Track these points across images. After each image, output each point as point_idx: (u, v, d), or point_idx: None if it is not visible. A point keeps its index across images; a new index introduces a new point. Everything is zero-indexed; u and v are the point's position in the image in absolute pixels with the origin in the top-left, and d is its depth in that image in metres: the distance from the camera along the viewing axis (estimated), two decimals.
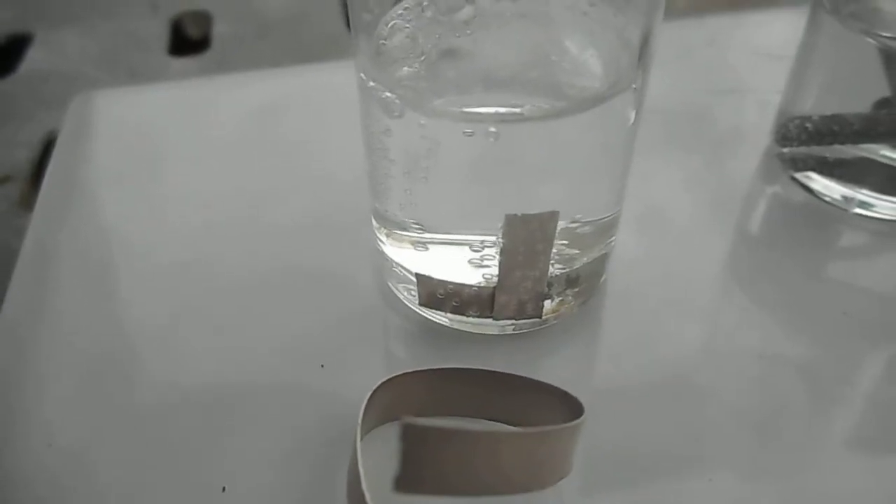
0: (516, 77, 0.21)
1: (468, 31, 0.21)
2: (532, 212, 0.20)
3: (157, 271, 0.27)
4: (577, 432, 0.17)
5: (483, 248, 0.22)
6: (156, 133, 0.34)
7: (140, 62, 0.49)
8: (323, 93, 0.36)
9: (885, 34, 0.25)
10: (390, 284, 0.25)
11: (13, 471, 0.21)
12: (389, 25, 0.21)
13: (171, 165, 0.32)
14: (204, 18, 0.55)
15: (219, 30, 0.53)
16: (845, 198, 0.28)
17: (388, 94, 0.20)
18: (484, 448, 0.14)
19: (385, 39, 0.21)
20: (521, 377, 0.20)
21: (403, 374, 0.19)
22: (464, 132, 0.19)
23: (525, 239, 0.20)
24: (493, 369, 0.20)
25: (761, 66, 0.36)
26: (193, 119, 0.35)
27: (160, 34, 0.53)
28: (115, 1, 0.57)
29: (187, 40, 0.54)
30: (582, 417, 0.17)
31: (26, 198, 0.39)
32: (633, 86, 0.20)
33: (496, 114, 0.19)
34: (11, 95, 0.46)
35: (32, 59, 0.50)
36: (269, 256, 0.27)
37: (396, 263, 0.24)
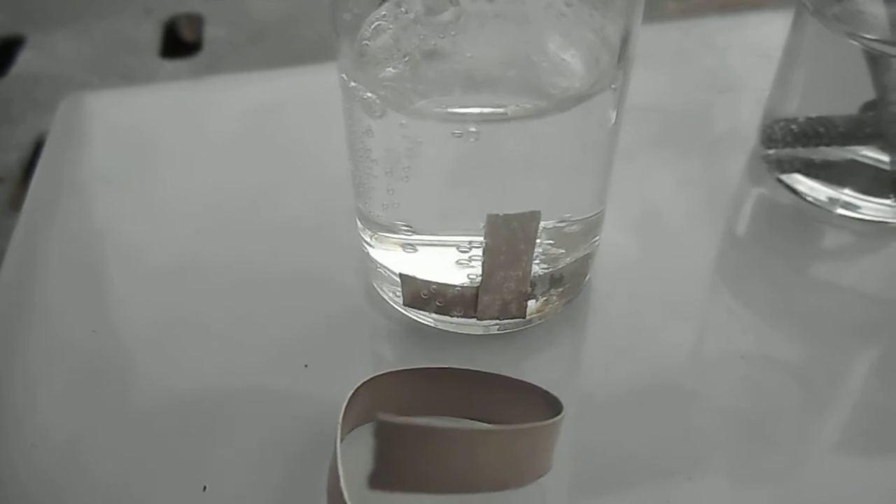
0: (498, 77, 0.21)
1: (452, 33, 0.21)
2: (515, 211, 0.20)
3: (143, 273, 0.27)
4: (556, 430, 0.17)
5: (470, 248, 0.22)
6: (146, 135, 0.34)
7: (132, 65, 0.49)
8: (314, 95, 0.36)
9: (868, 36, 0.26)
10: (375, 285, 0.25)
11: None
12: (373, 27, 0.21)
13: (160, 167, 0.32)
14: (196, 21, 0.55)
15: (211, 33, 0.53)
16: (831, 199, 0.28)
17: (370, 95, 0.20)
18: (460, 446, 0.14)
19: (368, 40, 0.21)
20: (500, 376, 0.20)
21: (384, 374, 0.19)
22: (445, 132, 0.19)
23: (507, 239, 0.20)
24: (474, 369, 0.20)
25: (749, 67, 0.36)
26: (184, 121, 0.35)
27: (152, 37, 0.53)
28: (108, 3, 0.57)
29: (180, 42, 0.54)
30: (560, 415, 0.17)
31: (16, 199, 0.39)
32: (613, 86, 0.20)
33: (477, 114, 0.19)
34: (3, 97, 0.46)
35: (24, 61, 0.50)
36: (256, 257, 0.27)
37: (381, 264, 0.24)
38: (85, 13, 0.54)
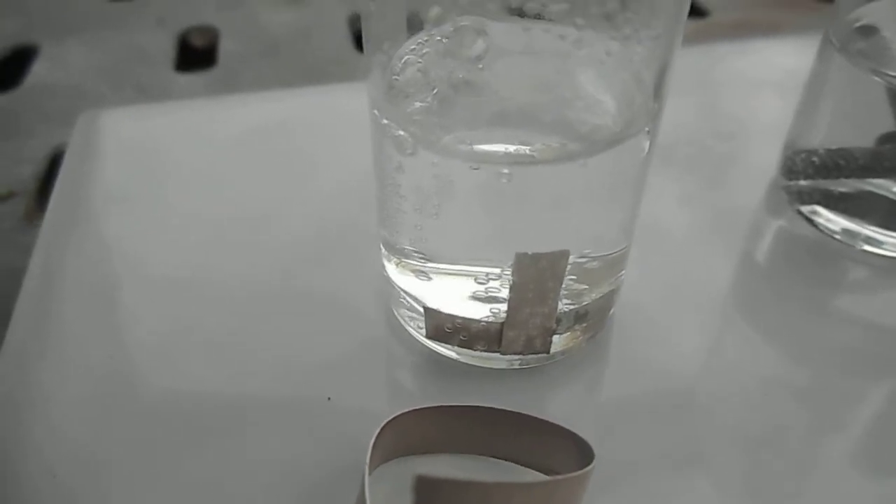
0: (528, 113, 0.21)
1: (480, 66, 0.21)
2: (542, 248, 0.20)
3: (162, 292, 0.27)
4: (588, 478, 0.17)
5: (488, 280, 0.22)
6: (162, 152, 0.34)
7: (145, 77, 0.49)
8: (328, 113, 0.36)
9: (892, 73, 0.26)
10: (397, 315, 0.25)
11: (18, 498, 0.21)
12: (402, 61, 0.21)
13: (177, 184, 0.32)
14: (210, 34, 0.55)
15: (225, 47, 0.53)
16: (851, 232, 0.28)
17: (401, 133, 0.20)
18: (498, 499, 0.14)
19: (397, 74, 0.21)
20: (530, 416, 0.20)
21: (411, 411, 0.19)
22: (476, 172, 0.19)
23: (535, 277, 0.20)
24: (502, 407, 0.20)
25: (768, 95, 0.36)
26: (200, 138, 0.35)
27: (166, 48, 0.53)
28: (122, 14, 0.57)
29: (193, 51, 0.54)
30: (592, 464, 0.17)
31: (31, 214, 0.39)
32: (647, 129, 0.20)
33: (508, 154, 0.19)
34: (16, 110, 0.46)
35: (37, 72, 0.50)
36: (276, 281, 0.27)
37: (404, 294, 0.24)
38: (98, 24, 0.54)
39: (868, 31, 0.27)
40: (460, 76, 0.21)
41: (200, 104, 0.40)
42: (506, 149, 0.20)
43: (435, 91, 0.21)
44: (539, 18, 0.19)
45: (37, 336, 0.26)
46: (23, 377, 0.24)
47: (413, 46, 0.21)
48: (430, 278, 0.22)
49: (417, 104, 0.21)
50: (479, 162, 0.19)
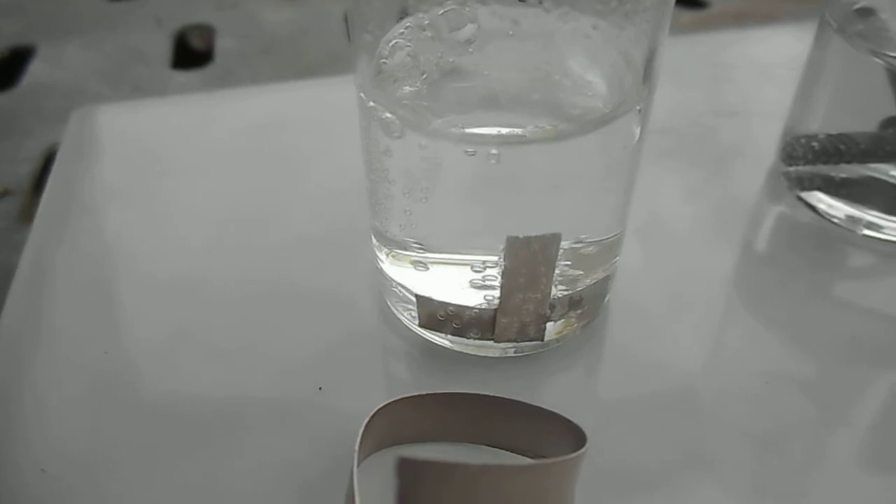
0: (518, 96, 0.21)
1: (470, 50, 0.21)
2: (534, 232, 0.20)
3: (155, 288, 0.27)
4: (581, 462, 0.16)
5: (485, 268, 0.21)
6: (156, 147, 0.34)
7: (143, 76, 0.49)
8: (324, 108, 0.35)
9: (891, 54, 0.25)
10: (390, 304, 0.25)
11: (7, 492, 0.21)
12: (391, 45, 0.21)
13: (171, 180, 0.32)
14: (207, 32, 0.55)
15: (221, 44, 0.53)
16: (852, 218, 0.28)
17: (388, 115, 0.19)
18: (486, 483, 0.14)
19: (386, 59, 0.21)
20: (522, 403, 0.19)
21: (400, 399, 0.19)
22: (465, 153, 0.19)
23: (527, 261, 0.20)
24: (493, 394, 0.20)
25: (766, 82, 0.36)
26: (194, 134, 0.34)
27: (163, 48, 0.53)
28: (119, 14, 0.57)
29: (191, 52, 0.54)
30: (585, 447, 0.16)
31: (27, 212, 0.39)
32: (638, 108, 0.20)
33: (497, 135, 0.19)
34: (13, 110, 0.46)
35: (34, 72, 0.50)
36: (268, 274, 0.27)
37: (396, 283, 0.23)
38: (96, 24, 0.54)
39: (866, 12, 0.27)
40: (450, 60, 0.21)
41: (195, 99, 0.40)
42: (498, 131, 0.19)
43: (424, 76, 0.21)
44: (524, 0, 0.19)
45: (29, 332, 0.25)
46: (14, 373, 0.24)
47: (402, 30, 0.21)
48: (427, 268, 0.22)
49: (407, 89, 0.21)
50: (468, 144, 0.19)
